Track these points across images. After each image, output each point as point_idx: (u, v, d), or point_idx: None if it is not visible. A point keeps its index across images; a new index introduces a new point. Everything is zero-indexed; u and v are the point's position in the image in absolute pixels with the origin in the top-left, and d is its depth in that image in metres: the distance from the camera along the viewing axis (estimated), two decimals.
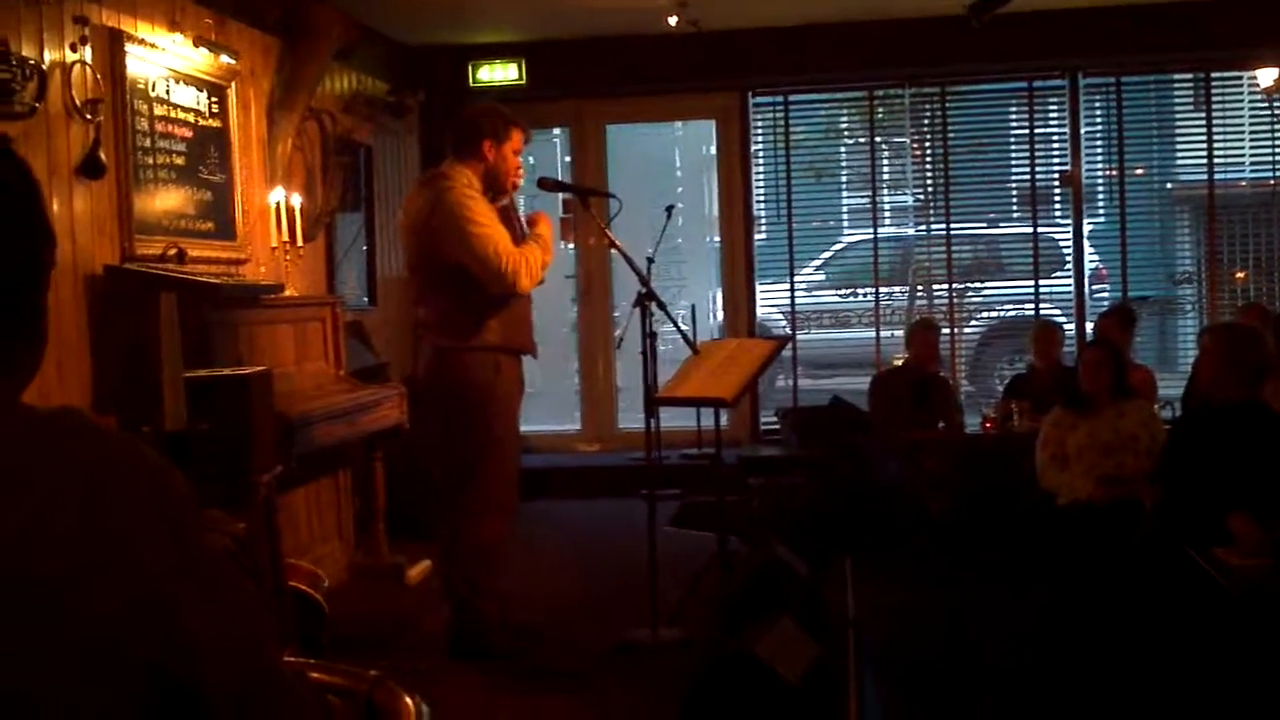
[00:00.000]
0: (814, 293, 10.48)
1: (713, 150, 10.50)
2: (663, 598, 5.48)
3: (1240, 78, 9.74)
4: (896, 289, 10.17)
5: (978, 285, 10.25)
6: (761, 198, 10.17)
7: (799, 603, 5.13)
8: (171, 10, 6.09)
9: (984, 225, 10.49)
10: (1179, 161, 10.46)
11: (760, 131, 10.11)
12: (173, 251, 5.76)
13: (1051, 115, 10.10)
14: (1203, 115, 9.85)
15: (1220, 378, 5.52)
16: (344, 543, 6.88)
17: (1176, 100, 10.42)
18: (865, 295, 10.16)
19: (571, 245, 9.92)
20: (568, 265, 10.39)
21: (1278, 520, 4.61)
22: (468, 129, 5.31)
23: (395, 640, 5.72)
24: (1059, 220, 10.18)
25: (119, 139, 5.55)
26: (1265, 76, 9.28)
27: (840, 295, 10.40)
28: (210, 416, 3.88)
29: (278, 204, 6.81)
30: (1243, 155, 10.01)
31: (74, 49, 5.26)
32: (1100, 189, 10.27)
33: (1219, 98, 9.80)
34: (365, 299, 8.34)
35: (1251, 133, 9.95)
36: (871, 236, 10.14)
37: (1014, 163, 10.25)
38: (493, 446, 5.25)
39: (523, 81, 9.44)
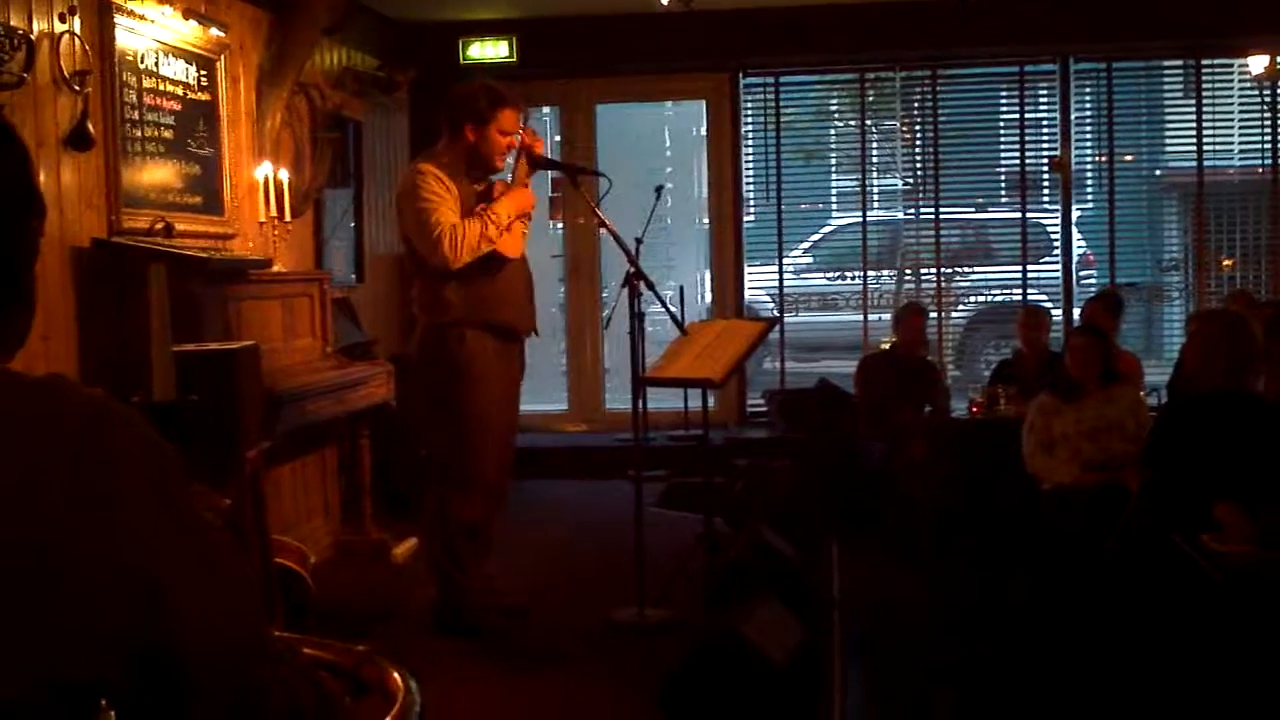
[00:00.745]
0: (802, 275, 10.48)
1: (703, 131, 10.48)
2: (649, 578, 5.48)
3: (1230, 65, 9.75)
4: (885, 273, 10.17)
5: (966, 270, 10.25)
6: (751, 179, 10.16)
7: (785, 585, 5.14)
8: None
9: (973, 210, 10.49)
10: (1168, 148, 10.47)
11: (750, 113, 10.09)
12: (160, 225, 5.73)
13: (1042, 100, 10.10)
14: (1193, 102, 9.86)
15: (1206, 365, 5.52)
16: (330, 520, 6.87)
17: (1166, 87, 10.43)
18: (853, 278, 10.16)
19: (560, 224, 9.90)
20: (556, 244, 10.38)
21: (1264, 508, 4.62)
22: (451, 110, 5.33)
23: (381, 617, 5.71)
24: (1047, 206, 10.19)
25: (107, 111, 5.52)
26: (1255, 64, 9.29)
27: (828, 278, 10.39)
28: (198, 391, 3.86)
29: (266, 179, 6.78)
30: (1232, 143, 10.02)
31: (63, 19, 5.22)
32: (1089, 175, 10.28)
33: (1209, 85, 9.81)
34: (353, 276, 8.32)
35: (1241, 120, 9.96)
36: (860, 220, 10.13)
37: (1003, 148, 10.24)
38: (468, 423, 5.25)
39: (514, 59, 9.40)
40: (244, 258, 6.28)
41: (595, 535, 7.19)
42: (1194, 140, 9.80)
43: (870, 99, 10.14)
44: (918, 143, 10.11)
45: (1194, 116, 9.80)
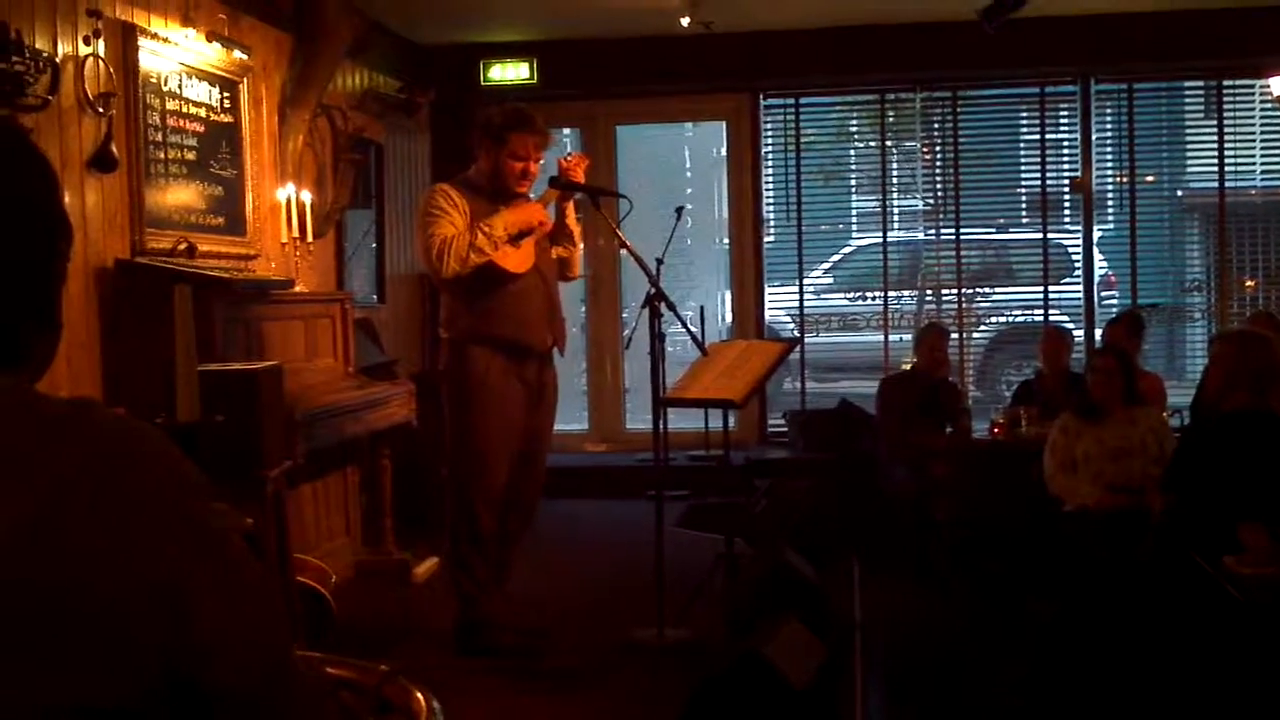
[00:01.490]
0: (823, 296, 10.48)
1: (723, 151, 10.49)
2: (669, 598, 5.47)
3: (1252, 85, 9.72)
4: (905, 293, 10.16)
5: (987, 290, 10.24)
6: (771, 200, 10.17)
7: (806, 606, 5.12)
8: (185, 5, 6.09)
9: (994, 230, 10.48)
10: (1190, 169, 10.45)
11: (770, 133, 10.10)
12: (183, 246, 5.76)
13: (1062, 121, 10.10)
14: (1214, 122, 9.84)
15: (1229, 385, 5.51)
16: (351, 539, 6.88)
17: (1187, 107, 10.41)
18: (874, 299, 10.14)
19: (581, 245, 9.90)
20: (578, 265, 10.38)
21: None
22: (471, 132, 5.43)
23: (402, 637, 5.71)
24: (1069, 226, 10.17)
25: (131, 133, 5.56)
26: (1277, 84, 9.26)
27: (849, 298, 10.38)
28: (220, 411, 3.88)
29: (288, 200, 6.82)
30: (1254, 163, 9.99)
31: (87, 42, 5.27)
32: (1110, 195, 10.26)
33: (1230, 105, 9.78)
34: (374, 296, 8.35)
35: (1263, 141, 9.94)
36: (881, 240, 10.13)
37: (1024, 168, 10.24)
38: (475, 437, 5.27)
39: (534, 81, 9.44)
40: (266, 278, 6.31)
41: (615, 555, 7.18)
42: (1215, 161, 9.77)
43: (890, 120, 10.15)
44: (938, 163, 10.11)
45: (1215, 137, 9.78)
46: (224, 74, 6.39)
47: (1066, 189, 10.01)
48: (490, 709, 4.76)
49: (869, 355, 10.03)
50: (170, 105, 5.91)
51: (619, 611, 5.92)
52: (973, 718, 4.76)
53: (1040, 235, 10.02)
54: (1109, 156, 10.17)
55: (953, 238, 10.00)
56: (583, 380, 10.37)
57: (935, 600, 6.16)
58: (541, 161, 5.51)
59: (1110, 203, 10.27)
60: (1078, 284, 10.00)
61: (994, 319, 10.33)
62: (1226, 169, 9.75)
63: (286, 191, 6.83)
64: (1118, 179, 10.20)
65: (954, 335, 9.37)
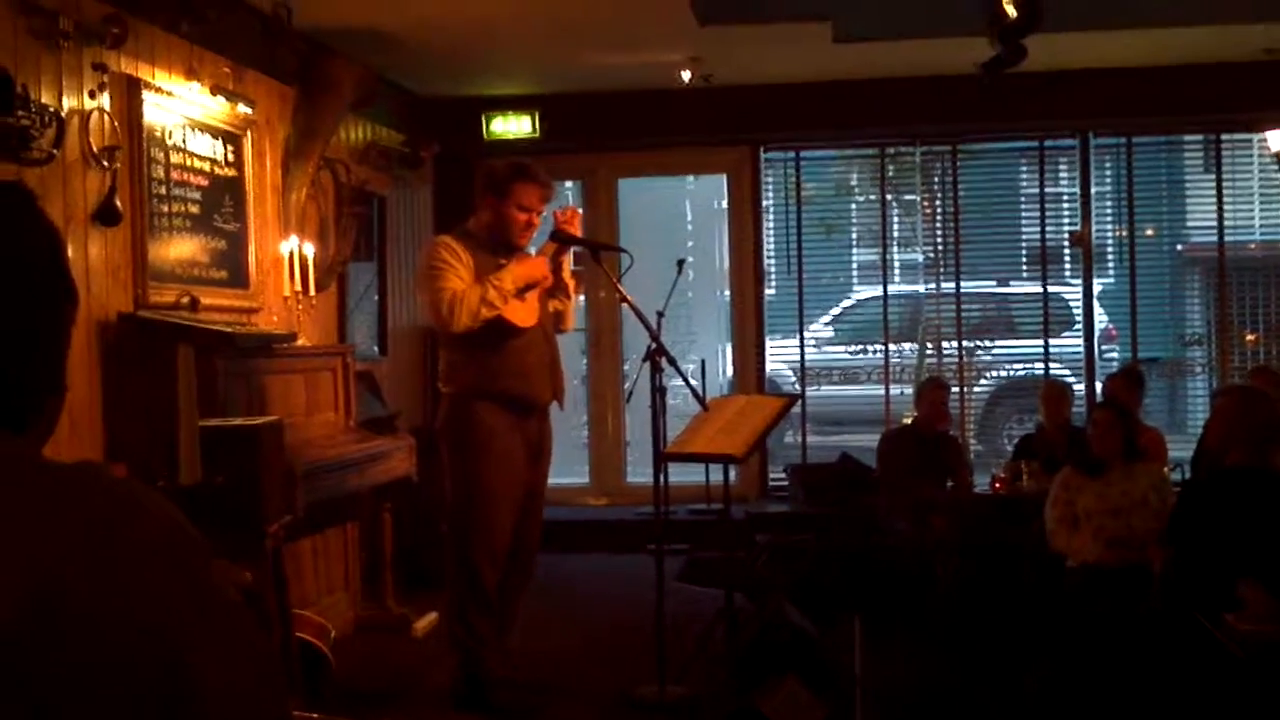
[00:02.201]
0: (823, 348, 10.49)
1: (724, 204, 10.53)
2: (670, 653, 5.45)
3: (1250, 140, 9.77)
4: (906, 346, 10.17)
5: (987, 343, 10.25)
6: (772, 252, 10.20)
7: (806, 662, 5.11)
8: (189, 58, 6.13)
9: (994, 283, 10.51)
10: (1189, 222, 10.49)
11: (771, 186, 10.15)
12: (186, 300, 5.78)
13: (1062, 175, 10.14)
14: (1213, 177, 9.88)
15: (1230, 441, 5.51)
16: (350, 594, 6.86)
17: (1187, 162, 10.46)
18: (875, 352, 10.15)
19: (582, 297, 9.94)
20: (578, 318, 10.40)
21: None
22: (475, 184, 5.45)
23: (401, 693, 5.69)
24: (1069, 279, 10.19)
25: (135, 186, 5.58)
26: (1275, 139, 9.31)
27: (850, 351, 10.39)
28: (221, 466, 3.88)
29: (291, 253, 6.84)
30: (1253, 217, 10.03)
31: (92, 96, 5.30)
32: (1110, 249, 10.30)
33: (1229, 160, 9.83)
34: (376, 349, 8.35)
35: (1262, 195, 9.98)
36: (881, 293, 10.15)
37: (1024, 221, 10.27)
38: (478, 492, 5.26)
39: (536, 134, 9.49)
40: (269, 332, 6.32)
41: (616, 609, 7.16)
42: (1215, 215, 9.80)
43: (890, 173, 10.19)
44: (938, 216, 10.14)
45: (1214, 191, 9.81)
46: (228, 127, 6.43)
47: (1066, 242, 10.05)
48: None
49: (870, 408, 10.02)
50: (174, 158, 5.94)
51: (619, 667, 5.90)
52: None
53: (1040, 288, 10.04)
54: (1109, 210, 10.21)
55: (953, 291, 10.02)
56: (583, 434, 10.36)
57: (937, 656, 6.13)
58: (543, 214, 5.54)
59: (1110, 256, 10.31)
60: (1078, 337, 10.01)
61: (994, 372, 10.33)
62: (1226, 223, 9.78)
63: (289, 244, 6.85)
64: (1117, 232, 10.23)
65: (954, 388, 9.37)
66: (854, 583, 6.92)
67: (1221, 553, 4.93)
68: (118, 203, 5.38)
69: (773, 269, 10.22)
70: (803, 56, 8.61)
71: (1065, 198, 10.09)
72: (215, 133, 6.32)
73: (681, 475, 8.26)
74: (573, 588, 7.90)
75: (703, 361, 8.98)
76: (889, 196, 10.21)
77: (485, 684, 5.31)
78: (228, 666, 1.23)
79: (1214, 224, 9.84)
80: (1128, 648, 5.17)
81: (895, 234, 10.32)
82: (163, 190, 5.84)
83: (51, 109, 5.01)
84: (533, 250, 5.52)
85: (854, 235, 10.78)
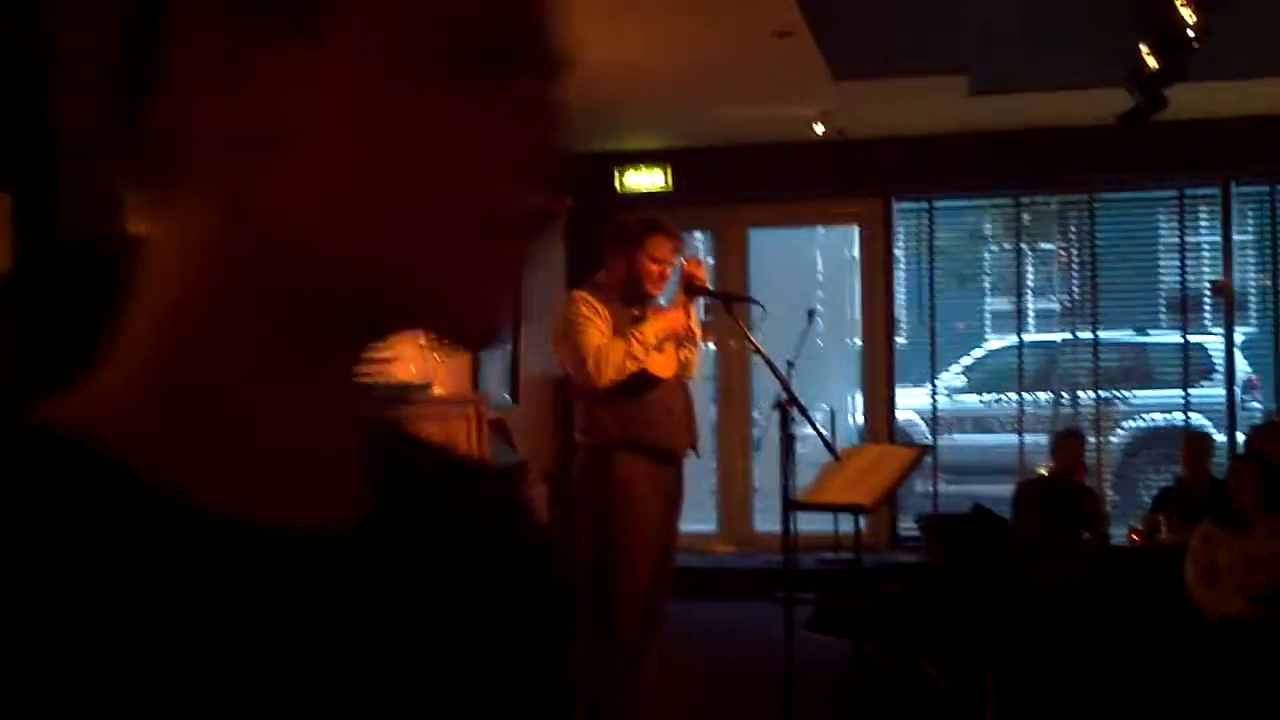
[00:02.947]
0: (955, 397, 10.40)
1: (855, 253, 10.53)
2: (797, 704, 5.43)
3: None
4: (1041, 394, 10.04)
5: (1124, 393, 10.07)
6: (903, 301, 10.16)
7: (940, 715, 5.06)
8: None
9: (1132, 332, 10.34)
10: None
11: (903, 236, 10.12)
12: None
13: (1202, 223, 9.96)
14: None
15: None
16: None
17: None
18: (1009, 400, 10.04)
19: (712, 346, 10.00)
20: (707, 366, 10.46)
21: None
22: (606, 237, 5.49)
23: None
24: (1209, 328, 9.99)
25: None
26: None
27: (983, 400, 10.29)
28: None
29: None
30: None
31: None
32: (1253, 297, 10.07)
33: None
34: (508, 396, 8.48)
35: None
36: (1016, 342, 10.05)
37: (1163, 270, 10.11)
38: (623, 544, 5.28)
39: (669, 187, 9.59)
40: (405, 382, 6.46)
41: (743, 656, 7.14)
42: None
43: (1026, 222, 10.11)
44: (1074, 265, 10.02)
45: None
46: None
47: (1207, 290, 9.86)
48: None
49: (1003, 458, 9.90)
50: None
51: (748, 715, 5.89)
52: None
53: (1180, 337, 9.86)
54: (1251, 258, 10.00)
55: (1090, 339, 9.88)
56: (712, 480, 10.38)
57: (1073, 712, 6.02)
58: (674, 266, 5.59)
59: (1252, 304, 10.08)
60: (1219, 387, 9.80)
61: (1131, 421, 10.15)
62: None
63: None
64: (1261, 281, 10.01)
65: (1090, 438, 9.22)
66: (987, 636, 6.83)
67: None
68: None
69: (904, 318, 10.18)
70: (936, 108, 8.61)
71: (1205, 246, 9.91)
72: None
73: (809, 524, 8.24)
74: (699, 634, 7.90)
75: (832, 410, 8.98)
76: (1024, 245, 10.12)
77: None
78: None
79: None
80: (1268, 703, 5.05)
81: (1030, 283, 10.21)
82: None
83: None
84: (662, 301, 5.57)
85: (987, 284, 10.70)
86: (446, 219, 0.70)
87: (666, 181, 9.61)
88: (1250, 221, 9.94)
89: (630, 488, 5.28)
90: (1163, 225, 10.19)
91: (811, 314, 8.06)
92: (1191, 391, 9.83)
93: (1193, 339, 9.89)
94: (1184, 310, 9.90)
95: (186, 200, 0.69)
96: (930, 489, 10.01)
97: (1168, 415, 9.99)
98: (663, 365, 5.34)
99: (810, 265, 12.04)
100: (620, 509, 5.25)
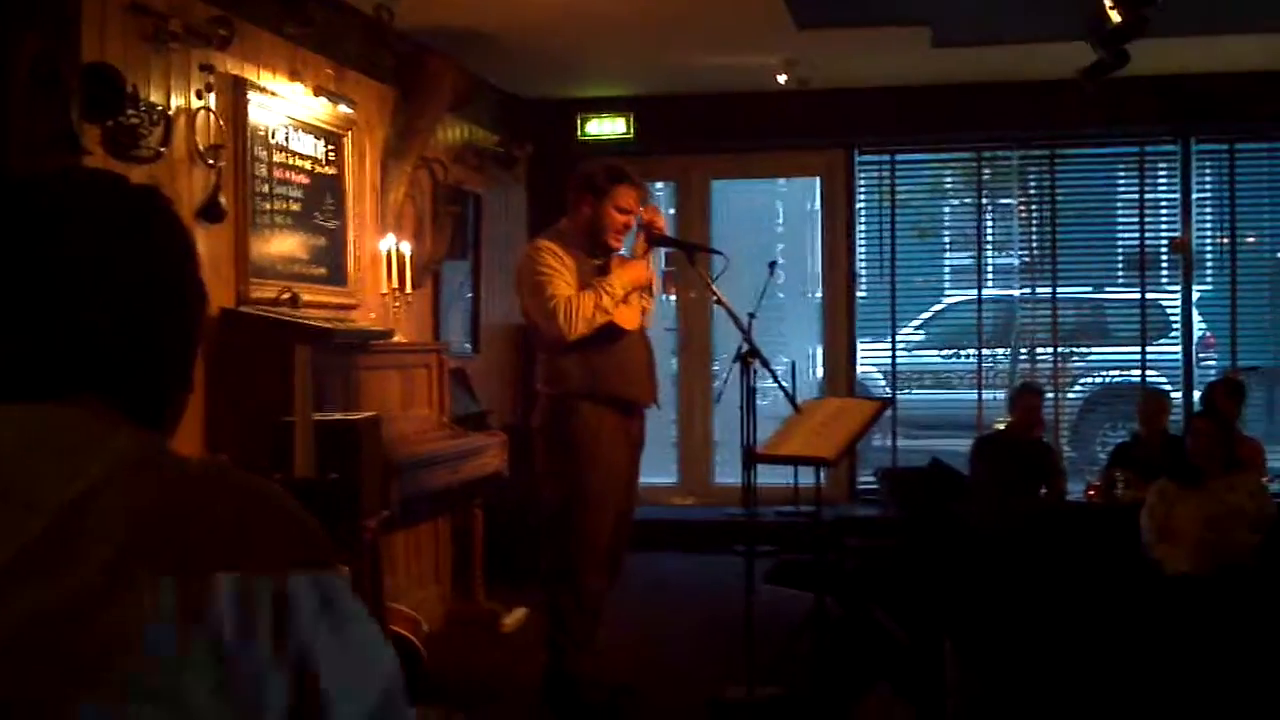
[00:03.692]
0: (915, 352, 10.42)
1: (817, 206, 10.50)
2: (758, 656, 5.44)
3: None
4: (1000, 351, 10.07)
5: (1083, 350, 10.12)
6: (864, 255, 10.15)
7: (896, 668, 5.09)
8: (293, 60, 6.24)
9: (1090, 289, 10.38)
10: None
11: (864, 189, 10.10)
12: (286, 296, 5.87)
13: (1161, 180, 9.99)
14: None
15: None
16: (441, 588, 6.93)
17: None
18: (968, 356, 10.07)
19: (673, 297, 9.97)
20: (668, 318, 10.43)
21: None
22: (571, 184, 5.45)
23: (491, 687, 5.74)
24: (1166, 286, 10.04)
25: (239, 184, 5.69)
26: None
27: (942, 356, 10.31)
28: (320, 460, 3.94)
29: (388, 251, 6.93)
30: None
31: (199, 96, 5.41)
32: (1210, 255, 10.11)
33: None
34: (469, 346, 8.43)
35: None
36: (975, 297, 10.07)
37: (1121, 227, 10.13)
38: (583, 498, 5.27)
39: (631, 136, 9.53)
40: (367, 328, 6.41)
41: (703, 610, 7.17)
42: None
43: (987, 177, 10.11)
44: (1035, 220, 10.04)
45: None
46: (329, 127, 6.53)
47: (1165, 248, 9.89)
48: None
49: (962, 413, 9.94)
50: (277, 157, 6.05)
51: (707, 667, 5.91)
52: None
53: (1138, 294, 9.90)
54: (1209, 216, 10.03)
55: (1049, 295, 9.92)
56: (672, 433, 10.37)
57: (1030, 665, 6.07)
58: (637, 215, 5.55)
59: (1210, 263, 10.13)
60: (1176, 344, 9.86)
61: (1089, 378, 10.20)
62: None
63: (387, 243, 6.94)
64: (1218, 239, 10.05)
65: (1048, 394, 9.26)
66: (944, 589, 6.87)
67: None
68: (222, 200, 5.49)
69: (864, 272, 10.17)
70: (900, 60, 8.58)
71: (1164, 203, 9.94)
72: (317, 132, 6.42)
73: (769, 477, 8.24)
74: (660, 587, 7.92)
75: (793, 363, 8.97)
76: (984, 200, 10.12)
77: (576, 683, 5.34)
78: (353, 671, 1.25)
79: None
80: (1224, 658, 5.09)
81: (990, 238, 10.22)
82: (265, 188, 5.94)
83: (160, 108, 5.12)
84: (624, 251, 5.54)
85: (947, 239, 10.70)
86: None
87: (628, 129, 9.55)
88: (1209, 178, 9.97)
89: (596, 438, 5.26)
90: (1122, 181, 10.21)
91: (773, 266, 8.05)
92: (1148, 349, 9.88)
93: (1150, 296, 9.93)
94: (1142, 267, 9.93)
95: None
96: (889, 443, 10.04)
97: (1125, 372, 10.04)
98: (628, 316, 5.32)
99: (772, 217, 12.00)
100: (586, 460, 5.24)
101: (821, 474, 6.12)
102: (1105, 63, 7.10)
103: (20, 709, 1.11)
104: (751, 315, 5.71)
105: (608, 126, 9.58)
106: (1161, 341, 9.96)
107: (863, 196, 10.09)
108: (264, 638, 1.18)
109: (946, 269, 10.90)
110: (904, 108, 9.40)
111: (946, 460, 8.97)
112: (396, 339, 6.58)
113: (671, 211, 10.45)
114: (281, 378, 3.91)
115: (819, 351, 10.50)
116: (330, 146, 6.56)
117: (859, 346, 10.10)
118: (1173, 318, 9.91)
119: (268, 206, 5.96)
